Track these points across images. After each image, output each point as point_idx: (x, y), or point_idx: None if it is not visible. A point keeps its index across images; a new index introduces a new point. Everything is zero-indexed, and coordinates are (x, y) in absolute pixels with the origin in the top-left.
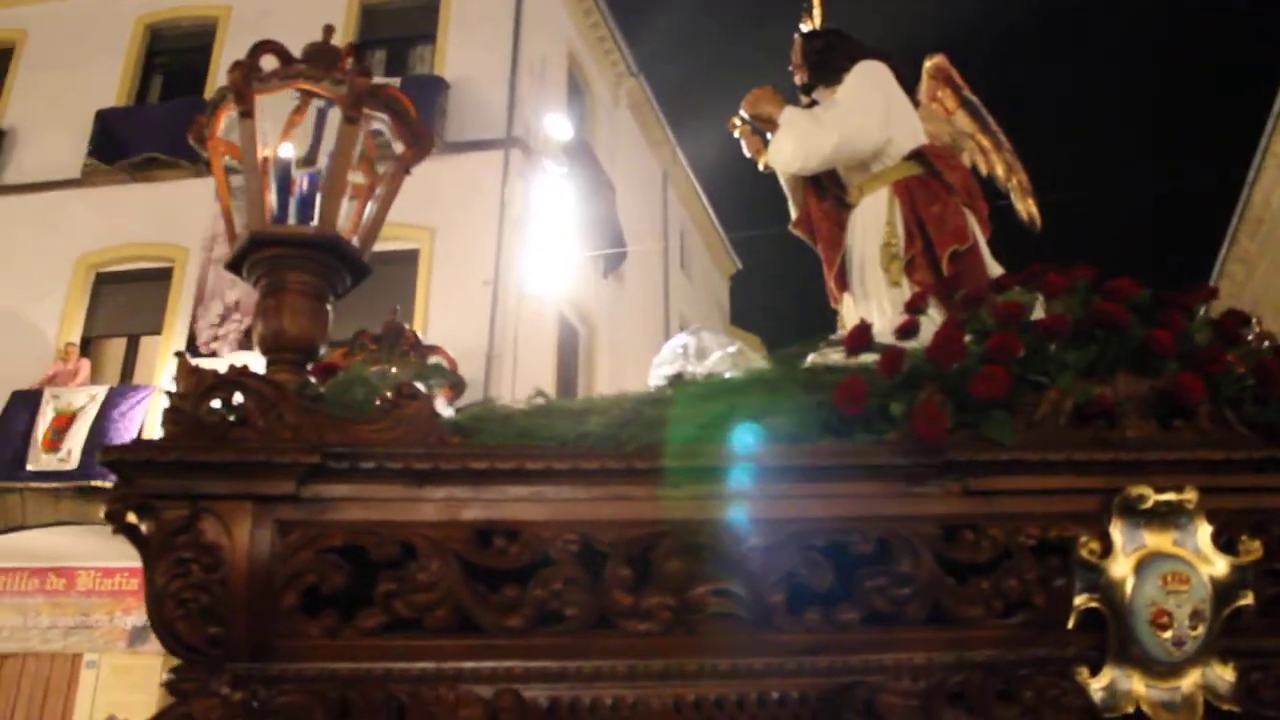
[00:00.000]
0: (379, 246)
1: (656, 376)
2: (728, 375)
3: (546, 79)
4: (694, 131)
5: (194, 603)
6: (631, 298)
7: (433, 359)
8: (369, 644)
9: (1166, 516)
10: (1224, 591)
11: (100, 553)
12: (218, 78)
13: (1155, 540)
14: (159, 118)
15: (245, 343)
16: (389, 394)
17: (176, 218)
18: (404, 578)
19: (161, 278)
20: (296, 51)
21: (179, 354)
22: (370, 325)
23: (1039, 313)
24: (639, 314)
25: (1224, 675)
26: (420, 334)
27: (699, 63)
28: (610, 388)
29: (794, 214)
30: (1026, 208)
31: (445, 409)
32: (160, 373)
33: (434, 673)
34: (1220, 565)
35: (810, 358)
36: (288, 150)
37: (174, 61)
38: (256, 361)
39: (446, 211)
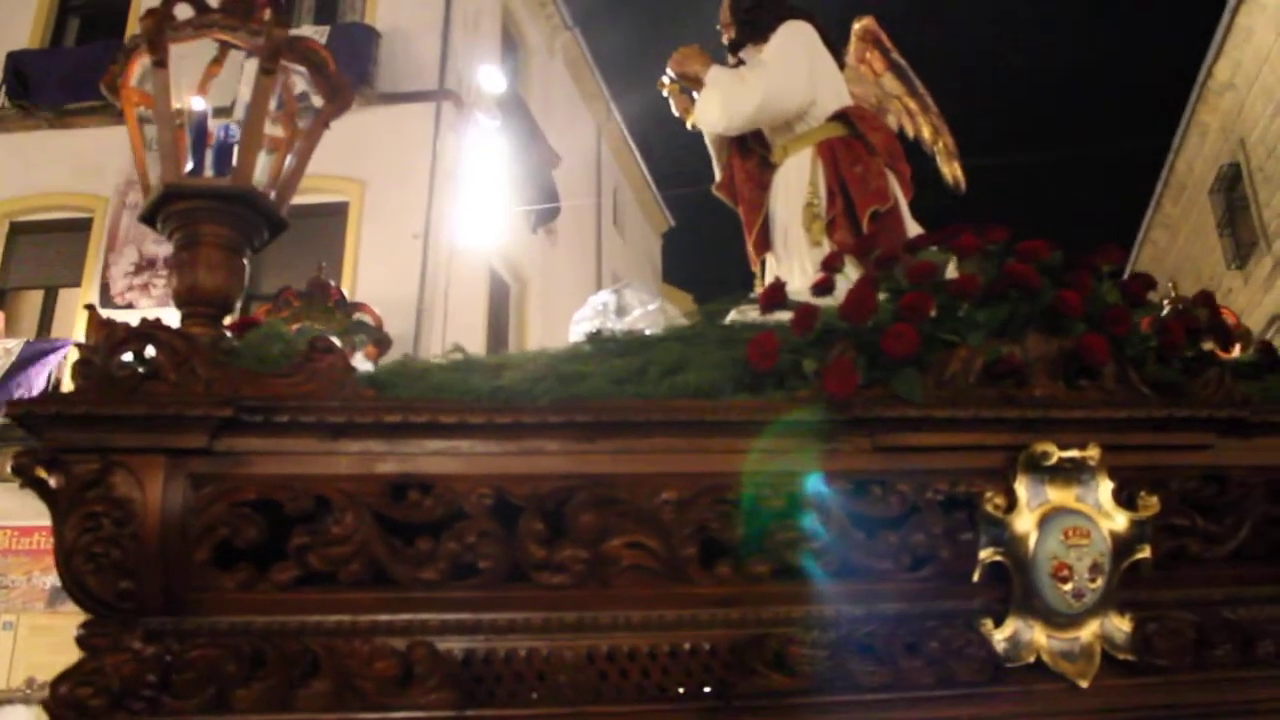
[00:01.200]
0: (309, 199)
1: (576, 333)
2: (647, 332)
3: (480, 30)
4: (629, 87)
5: (105, 557)
6: (564, 253)
7: (358, 315)
8: (283, 597)
9: (1070, 473)
10: (1123, 546)
11: (16, 511)
12: (138, 20)
13: (1058, 496)
14: (76, 61)
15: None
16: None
17: (97, 166)
18: (318, 531)
19: (80, 228)
20: None
21: (89, 307)
22: (300, 278)
23: (954, 273)
24: (571, 269)
25: (1121, 626)
26: (350, 287)
27: (635, 18)
28: (542, 343)
29: (718, 176)
30: (952, 170)
31: (365, 365)
32: (80, 326)
33: (349, 625)
34: (1120, 520)
35: (730, 315)
36: (204, 101)
37: (92, 3)
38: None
39: (377, 164)
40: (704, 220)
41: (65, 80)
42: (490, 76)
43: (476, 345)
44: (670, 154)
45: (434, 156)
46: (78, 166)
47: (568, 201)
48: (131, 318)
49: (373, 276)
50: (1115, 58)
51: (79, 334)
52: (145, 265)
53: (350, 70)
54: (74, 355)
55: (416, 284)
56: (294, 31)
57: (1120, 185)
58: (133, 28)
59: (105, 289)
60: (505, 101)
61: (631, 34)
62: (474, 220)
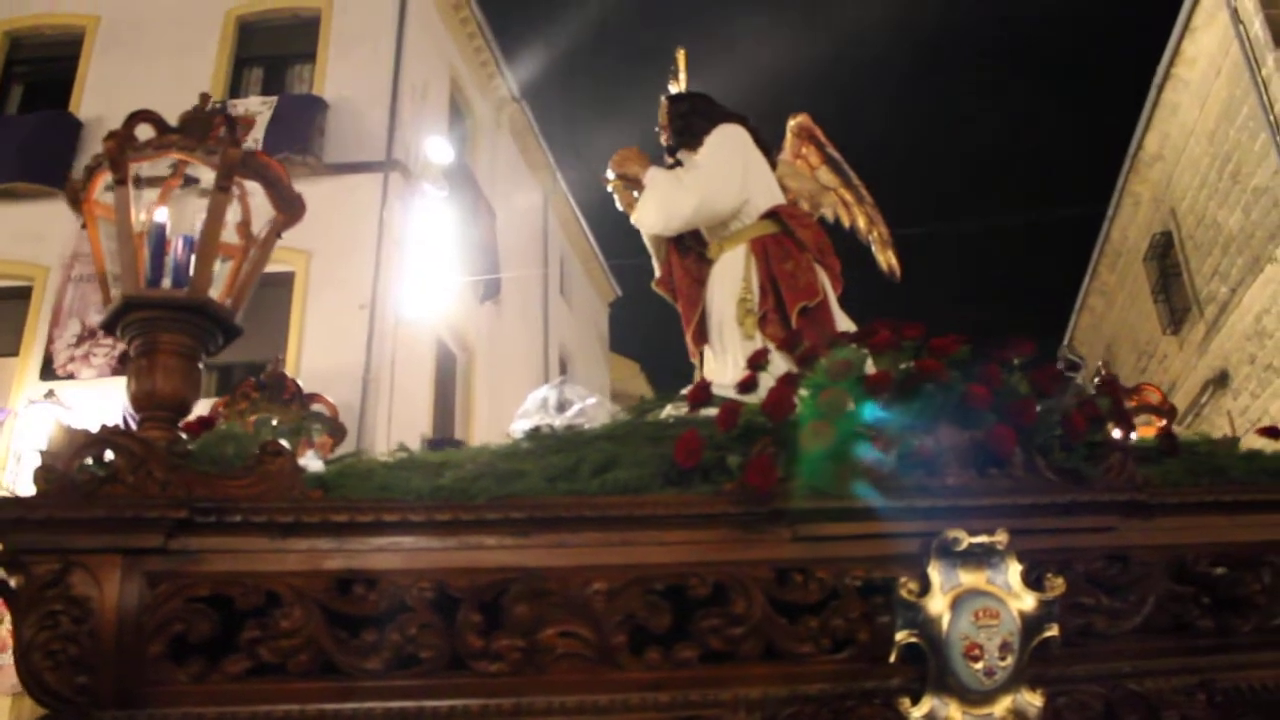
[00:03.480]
0: None
1: (518, 428)
2: (586, 426)
3: (428, 101)
4: (575, 158)
5: (62, 653)
6: (511, 323)
7: (315, 406)
8: (234, 688)
9: (980, 557)
10: (1032, 624)
11: None
12: (84, 89)
13: (970, 579)
14: (20, 131)
15: (118, 369)
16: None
17: (37, 235)
18: (268, 625)
19: (20, 297)
20: (170, 66)
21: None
22: (245, 349)
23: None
24: (518, 340)
25: (1033, 701)
26: (296, 358)
27: (581, 89)
28: (489, 413)
29: (658, 272)
30: (887, 259)
31: (315, 462)
32: (18, 395)
33: (297, 714)
34: (1028, 601)
35: (667, 409)
36: (163, 214)
37: (36, 71)
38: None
39: (323, 234)
40: (651, 291)
41: (7, 151)
42: (437, 147)
43: (423, 415)
44: (617, 224)
45: (381, 227)
46: (17, 235)
47: (515, 271)
48: (74, 388)
49: (319, 347)
50: (1053, 128)
51: (17, 403)
52: (87, 336)
53: (297, 141)
54: (13, 424)
55: (363, 354)
56: (242, 102)
57: (1059, 253)
58: (77, 96)
59: (48, 360)
60: (452, 172)
61: (577, 106)
62: (421, 290)
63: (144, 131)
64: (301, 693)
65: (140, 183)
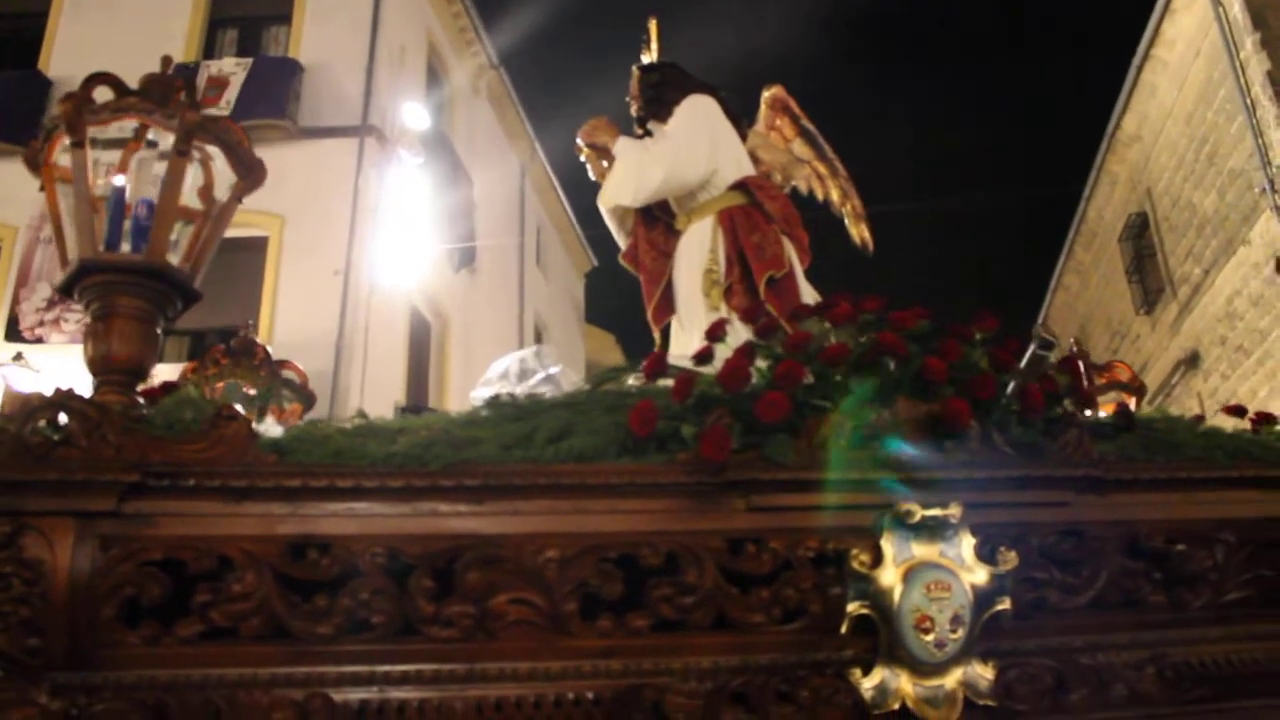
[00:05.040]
0: (228, 233)
1: (478, 397)
2: (548, 395)
3: (405, 67)
4: (553, 127)
5: (14, 615)
6: (486, 292)
7: (284, 373)
8: (187, 651)
9: (933, 530)
10: (983, 598)
11: None
12: (54, 48)
13: (922, 551)
14: None
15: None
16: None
17: (6, 196)
18: (221, 589)
19: None
20: (143, 25)
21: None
22: (218, 312)
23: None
24: (493, 308)
25: (984, 674)
26: (269, 323)
27: (560, 58)
28: (463, 381)
29: (622, 245)
30: (859, 232)
31: (275, 429)
32: None
33: (249, 678)
34: (981, 574)
35: (630, 379)
36: (122, 178)
37: (5, 29)
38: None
39: (298, 199)
40: None
41: None
42: (414, 113)
43: (397, 383)
44: (594, 195)
45: (356, 192)
46: None
47: (491, 240)
48: (42, 353)
49: (292, 312)
50: (1032, 107)
51: None
52: (58, 300)
53: (272, 104)
54: None
55: (336, 321)
56: (215, 64)
57: (1036, 231)
58: (46, 55)
59: (14, 322)
60: (429, 139)
61: (556, 74)
62: (395, 257)
63: (103, 94)
64: (254, 656)
65: (96, 145)
